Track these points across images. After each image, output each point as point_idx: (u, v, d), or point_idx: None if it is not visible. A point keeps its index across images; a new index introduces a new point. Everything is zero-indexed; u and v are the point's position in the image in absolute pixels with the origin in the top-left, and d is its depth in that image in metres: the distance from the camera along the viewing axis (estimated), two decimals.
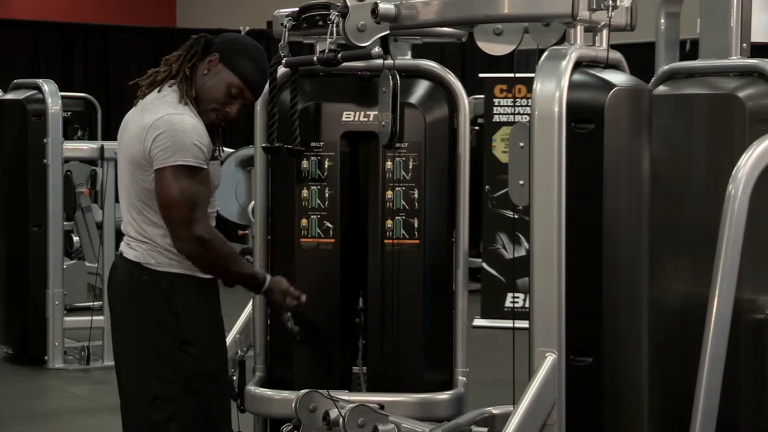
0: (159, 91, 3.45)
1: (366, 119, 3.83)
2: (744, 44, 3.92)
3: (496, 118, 9.14)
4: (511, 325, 3.79)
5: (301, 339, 3.76)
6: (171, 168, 3.30)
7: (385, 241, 3.82)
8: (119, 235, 7.69)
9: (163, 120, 3.34)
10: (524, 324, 3.28)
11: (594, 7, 3.31)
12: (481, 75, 9.69)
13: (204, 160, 3.36)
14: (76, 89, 11.69)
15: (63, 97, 7.58)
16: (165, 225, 3.36)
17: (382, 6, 3.50)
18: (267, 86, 3.86)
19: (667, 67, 4.09)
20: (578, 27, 3.34)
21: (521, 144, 3.26)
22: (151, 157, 3.33)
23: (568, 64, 3.19)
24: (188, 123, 3.35)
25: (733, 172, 3.42)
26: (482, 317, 8.89)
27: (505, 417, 3.22)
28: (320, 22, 3.72)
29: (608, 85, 3.25)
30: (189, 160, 3.31)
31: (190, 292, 3.42)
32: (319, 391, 3.63)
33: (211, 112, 3.48)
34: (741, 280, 3.44)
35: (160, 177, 3.32)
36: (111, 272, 3.56)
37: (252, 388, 3.87)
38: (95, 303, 7.53)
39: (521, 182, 3.25)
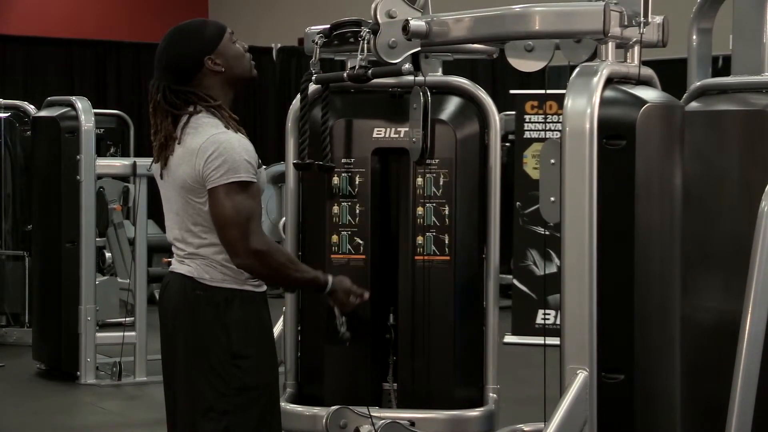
0: (186, 124, 3.44)
1: (397, 135, 3.84)
2: None
3: (527, 135, 9.12)
4: (542, 342, 3.77)
5: (350, 344, 3.72)
6: (224, 186, 3.33)
7: (416, 257, 3.82)
8: (151, 251, 7.78)
9: (210, 141, 3.36)
10: (555, 341, 3.27)
11: (625, 23, 3.30)
12: (512, 91, 9.68)
13: (254, 174, 3.38)
14: (109, 106, 11.74)
15: (96, 114, 7.60)
16: (221, 242, 3.38)
17: (413, 23, 3.51)
18: (298, 103, 3.87)
19: (699, 83, 4.08)
20: (610, 43, 3.34)
21: (552, 161, 3.26)
22: (204, 178, 3.35)
23: (599, 80, 3.19)
24: (234, 140, 3.38)
25: (766, 189, 3.40)
26: (513, 334, 8.86)
27: None
28: (351, 39, 3.74)
29: (640, 102, 3.24)
30: (240, 176, 3.34)
31: (242, 307, 3.44)
32: (351, 407, 3.63)
33: (249, 70, 3.51)
34: None
35: (214, 196, 3.35)
36: (163, 287, 3.59)
37: (283, 404, 3.87)
38: (127, 319, 7.55)
39: (552, 199, 3.25)
